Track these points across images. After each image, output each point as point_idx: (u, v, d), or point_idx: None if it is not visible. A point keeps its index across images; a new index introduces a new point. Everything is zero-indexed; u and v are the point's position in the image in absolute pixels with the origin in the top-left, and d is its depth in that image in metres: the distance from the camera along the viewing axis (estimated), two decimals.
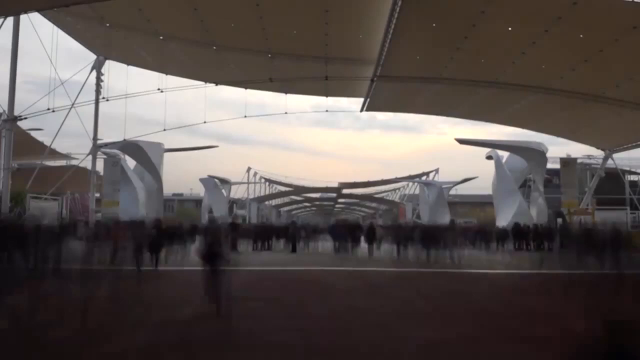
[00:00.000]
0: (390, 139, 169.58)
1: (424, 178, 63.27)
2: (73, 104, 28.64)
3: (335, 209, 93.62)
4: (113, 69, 30.59)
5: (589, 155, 39.44)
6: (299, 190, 72.32)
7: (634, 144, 33.48)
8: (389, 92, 29.17)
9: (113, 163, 34.31)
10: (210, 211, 61.85)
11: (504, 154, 40.28)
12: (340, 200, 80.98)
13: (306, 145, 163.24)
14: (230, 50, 25.96)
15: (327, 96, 32.15)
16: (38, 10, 22.17)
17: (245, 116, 32.50)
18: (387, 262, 18.48)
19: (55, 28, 25.58)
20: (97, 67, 30.61)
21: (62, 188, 29.89)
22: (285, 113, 34.30)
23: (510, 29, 19.78)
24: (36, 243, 9.78)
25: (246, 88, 31.12)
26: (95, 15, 22.91)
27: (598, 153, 37.27)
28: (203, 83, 30.12)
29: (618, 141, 33.65)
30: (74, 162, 36.74)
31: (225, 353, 5.99)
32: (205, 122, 31.64)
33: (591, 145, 35.88)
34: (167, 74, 29.44)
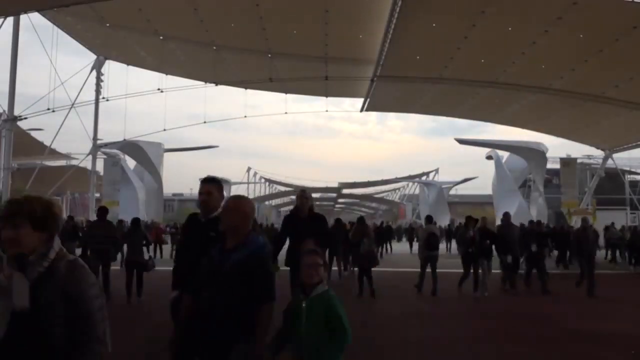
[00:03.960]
0: None
1: (423, 178, 63.35)
2: (73, 104, 28.66)
3: (336, 209, 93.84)
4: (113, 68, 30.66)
5: (589, 155, 39.46)
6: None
7: (634, 144, 33.46)
8: (389, 92, 29.16)
9: (113, 163, 34.34)
10: None
11: (504, 154, 40.33)
12: (340, 200, 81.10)
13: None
14: (230, 50, 25.95)
15: (327, 96, 32.16)
16: (38, 10, 22.17)
17: (246, 116, 32.62)
18: None
19: (55, 28, 25.61)
20: (97, 67, 30.63)
21: (62, 188, 29.89)
22: (286, 113, 34.43)
23: (510, 29, 19.75)
24: None
25: (246, 88, 31.12)
26: (95, 15, 22.90)
27: (598, 153, 37.28)
28: (203, 83, 30.14)
29: (618, 141, 33.63)
30: (74, 162, 36.78)
31: None
32: (205, 122, 31.72)
33: (591, 145, 35.88)
34: (167, 74, 29.44)
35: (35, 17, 23.82)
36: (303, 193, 6.22)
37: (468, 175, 67.20)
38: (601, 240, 20.39)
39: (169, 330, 3.33)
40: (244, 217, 2.91)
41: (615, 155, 36.33)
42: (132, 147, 35.44)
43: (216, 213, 3.44)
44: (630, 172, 49.94)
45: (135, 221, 10.44)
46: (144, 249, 10.27)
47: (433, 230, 11.36)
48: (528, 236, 12.25)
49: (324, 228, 6.07)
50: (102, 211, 10.11)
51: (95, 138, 32.02)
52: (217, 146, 46.13)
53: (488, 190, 44.79)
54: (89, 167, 33.43)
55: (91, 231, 10.17)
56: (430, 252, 10.91)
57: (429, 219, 12.20)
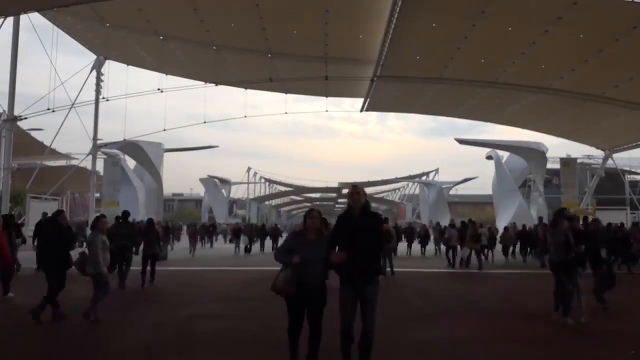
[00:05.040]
0: None
1: (423, 178, 63.39)
2: (73, 104, 28.65)
3: (336, 209, 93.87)
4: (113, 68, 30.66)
5: (589, 155, 39.50)
6: (299, 190, 72.45)
7: (634, 144, 33.49)
8: (389, 92, 29.16)
9: (113, 163, 34.35)
10: (211, 211, 62.01)
11: (504, 154, 40.34)
12: (340, 200, 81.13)
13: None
14: (230, 50, 25.94)
15: (327, 96, 32.16)
16: (38, 10, 22.15)
17: (246, 116, 32.64)
18: None
19: (55, 28, 25.60)
20: (97, 67, 30.62)
21: (62, 188, 29.85)
22: (286, 113, 34.44)
23: (510, 29, 19.74)
24: None
25: (246, 88, 31.12)
26: (95, 15, 22.90)
27: (598, 153, 37.30)
28: (203, 83, 30.13)
29: (618, 141, 33.66)
30: (74, 162, 36.80)
31: None
32: (205, 122, 31.71)
33: (591, 145, 35.89)
34: (167, 74, 29.43)
35: (35, 17, 23.82)
36: (354, 189, 5.17)
37: (468, 175, 67.41)
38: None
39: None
40: None
41: (615, 155, 36.36)
42: (132, 147, 35.47)
43: None
44: (630, 172, 50.03)
45: (150, 222, 12.66)
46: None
47: (387, 229, 14.66)
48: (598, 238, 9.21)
49: (375, 228, 5.10)
50: (125, 214, 11.95)
51: (95, 138, 32.01)
52: (217, 146, 46.28)
53: (488, 190, 44.85)
54: (89, 167, 33.42)
55: (116, 230, 11.48)
56: (385, 245, 14.08)
57: (385, 220, 15.73)
